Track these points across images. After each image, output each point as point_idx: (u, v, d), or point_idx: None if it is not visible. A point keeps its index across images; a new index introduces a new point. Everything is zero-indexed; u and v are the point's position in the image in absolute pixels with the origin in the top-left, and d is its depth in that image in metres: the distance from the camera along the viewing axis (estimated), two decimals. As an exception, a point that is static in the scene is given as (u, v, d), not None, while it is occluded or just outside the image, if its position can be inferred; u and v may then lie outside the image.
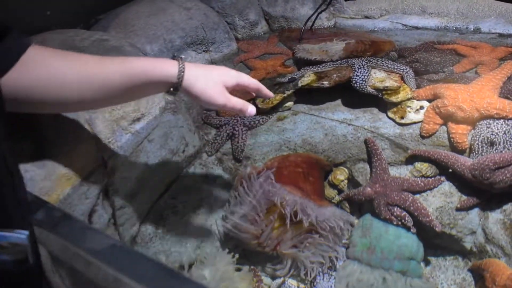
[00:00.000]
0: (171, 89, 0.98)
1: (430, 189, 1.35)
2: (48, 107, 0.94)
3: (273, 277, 1.35)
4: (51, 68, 0.87)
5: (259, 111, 1.59)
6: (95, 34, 1.47)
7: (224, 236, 1.37)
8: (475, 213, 1.32)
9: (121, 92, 0.96)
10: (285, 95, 1.59)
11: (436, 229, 1.27)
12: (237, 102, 1.04)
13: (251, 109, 1.07)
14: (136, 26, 1.78)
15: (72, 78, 0.89)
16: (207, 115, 1.62)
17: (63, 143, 1.11)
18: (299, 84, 1.62)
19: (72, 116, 1.15)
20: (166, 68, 0.96)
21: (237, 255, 1.30)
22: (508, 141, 1.31)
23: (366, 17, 2.17)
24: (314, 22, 2.17)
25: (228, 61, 1.98)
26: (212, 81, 1.01)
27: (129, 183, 1.29)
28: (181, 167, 1.49)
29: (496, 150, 1.31)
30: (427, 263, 1.39)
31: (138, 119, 1.33)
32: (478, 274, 1.30)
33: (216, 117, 1.61)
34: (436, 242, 1.36)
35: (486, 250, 1.30)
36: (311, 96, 1.63)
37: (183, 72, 0.97)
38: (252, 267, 1.34)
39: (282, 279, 1.33)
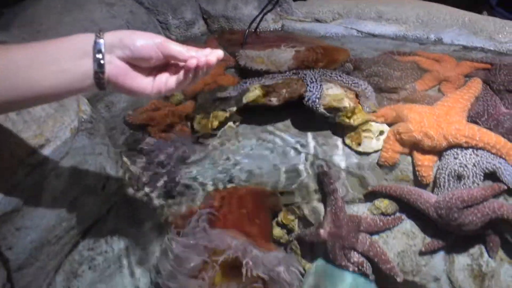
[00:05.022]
0: None
1: (390, 228, 1.24)
2: None
3: None
4: None
5: (196, 133, 1.44)
6: (-12, 34, 1.25)
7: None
8: (439, 257, 1.22)
9: None
10: (226, 114, 1.44)
11: (398, 279, 1.17)
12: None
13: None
14: (45, 24, 1.56)
15: None
16: (133, 137, 1.43)
17: None
18: (244, 101, 1.46)
19: None
20: None
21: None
22: (478, 175, 1.22)
23: (317, 20, 2.04)
24: (259, 24, 2.02)
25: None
26: None
27: (28, 235, 1.07)
28: (101, 208, 1.29)
29: (464, 185, 1.22)
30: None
31: (41, 147, 1.10)
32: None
33: (145, 140, 1.42)
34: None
35: (453, 298, 1.21)
36: (256, 114, 1.49)
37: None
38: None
39: None
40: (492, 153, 1.25)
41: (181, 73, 0.88)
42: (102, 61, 0.81)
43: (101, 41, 0.81)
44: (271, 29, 2.07)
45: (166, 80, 0.89)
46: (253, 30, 2.02)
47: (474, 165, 1.23)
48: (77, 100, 1.29)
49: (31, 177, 1.07)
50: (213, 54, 0.87)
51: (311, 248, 1.33)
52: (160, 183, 1.35)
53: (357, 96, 1.45)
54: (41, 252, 1.12)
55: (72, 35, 0.82)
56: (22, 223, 1.06)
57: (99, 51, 0.81)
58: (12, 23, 1.55)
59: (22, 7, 1.64)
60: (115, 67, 0.83)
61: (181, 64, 0.88)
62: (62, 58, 0.80)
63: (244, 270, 1.12)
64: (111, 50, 0.82)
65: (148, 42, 0.84)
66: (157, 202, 1.34)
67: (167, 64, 0.89)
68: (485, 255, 1.21)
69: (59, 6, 1.64)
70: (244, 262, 1.13)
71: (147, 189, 1.35)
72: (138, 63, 0.85)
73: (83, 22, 1.61)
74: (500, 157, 1.24)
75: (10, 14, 1.62)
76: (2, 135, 1.03)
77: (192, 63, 0.85)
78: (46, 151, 1.11)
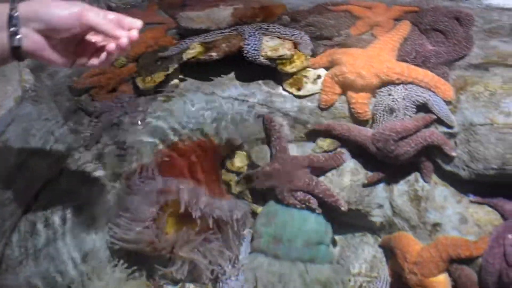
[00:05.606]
0: None
1: (333, 165, 1.32)
2: None
3: (175, 283, 1.27)
4: None
5: (141, 93, 1.46)
6: None
7: (112, 244, 1.25)
8: (381, 187, 1.32)
9: None
10: (169, 71, 1.47)
11: (342, 208, 1.26)
12: None
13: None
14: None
15: None
16: (80, 101, 1.45)
17: None
18: (185, 58, 1.50)
19: None
20: None
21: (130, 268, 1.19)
22: (409, 107, 1.30)
23: (255, -22, 2.07)
24: (198, -14, 2.04)
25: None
26: None
27: (-20, 198, 1.10)
28: (51, 170, 1.32)
29: (397, 118, 1.29)
30: (336, 243, 1.38)
31: (-15, 116, 1.13)
32: (388, 250, 1.31)
33: (92, 102, 1.45)
34: (344, 220, 1.35)
35: (394, 223, 1.31)
36: (199, 70, 1.52)
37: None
38: (153, 277, 1.24)
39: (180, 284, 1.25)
40: (421, 86, 1.32)
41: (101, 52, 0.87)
42: (17, 35, 0.79)
43: (15, 14, 0.79)
44: (210, -9, 2.09)
45: (86, 55, 0.89)
46: (192, -7, 2.04)
47: (404, 98, 1.30)
48: (19, 70, 1.30)
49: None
50: (128, 34, 0.84)
51: (263, 196, 1.40)
52: (109, 141, 1.38)
53: (294, 45, 1.51)
54: (-7, 215, 1.15)
55: None
56: (-27, 187, 1.09)
57: (14, 25, 0.79)
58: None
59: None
60: (31, 41, 0.81)
61: (100, 41, 0.87)
62: None
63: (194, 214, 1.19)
64: (27, 23, 0.80)
65: (64, 12, 0.81)
66: (107, 160, 1.37)
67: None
68: (421, 180, 1.30)
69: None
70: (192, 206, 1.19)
71: (96, 149, 1.38)
72: (55, 35, 0.83)
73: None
74: (429, 90, 1.31)
75: None
76: None
77: (111, 47, 0.84)
78: (-9, 119, 1.13)
